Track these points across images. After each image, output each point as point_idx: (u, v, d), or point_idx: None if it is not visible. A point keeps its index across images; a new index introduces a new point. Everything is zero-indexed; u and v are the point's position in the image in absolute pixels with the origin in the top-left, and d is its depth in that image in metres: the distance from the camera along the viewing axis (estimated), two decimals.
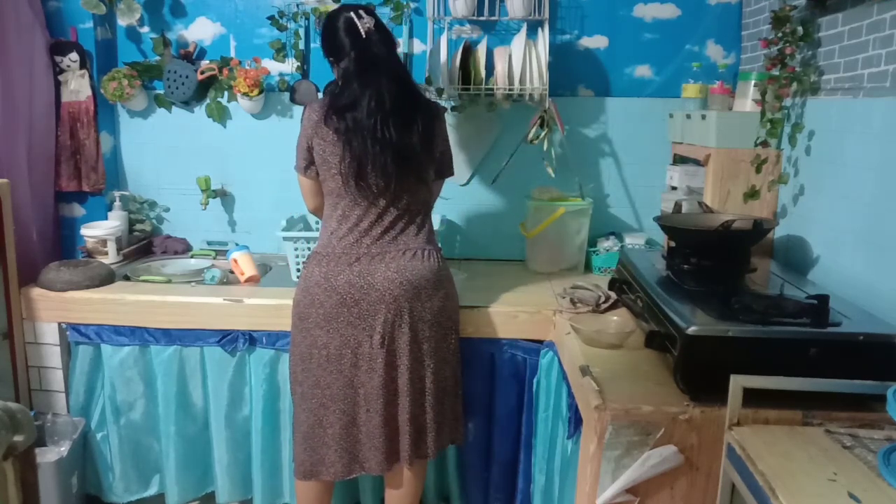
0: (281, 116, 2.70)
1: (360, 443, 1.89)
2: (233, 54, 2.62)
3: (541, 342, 2.09)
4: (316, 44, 2.65)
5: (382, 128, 1.79)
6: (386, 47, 1.86)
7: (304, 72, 2.65)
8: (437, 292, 1.89)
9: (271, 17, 2.59)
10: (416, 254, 1.87)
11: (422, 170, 1.88)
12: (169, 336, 2.20)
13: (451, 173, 2.04)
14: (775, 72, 2.05)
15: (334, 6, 2.57)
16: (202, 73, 2.60)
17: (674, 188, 2.51)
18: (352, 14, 1.85)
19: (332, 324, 1.85)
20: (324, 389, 1.88)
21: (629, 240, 2.58)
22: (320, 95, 2.65)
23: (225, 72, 2.61)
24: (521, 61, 2.37)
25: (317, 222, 2.69)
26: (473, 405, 2.14)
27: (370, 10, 1.89)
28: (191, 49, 2.65)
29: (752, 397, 1.29)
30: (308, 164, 1.93)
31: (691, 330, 1.40)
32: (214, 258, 2.71)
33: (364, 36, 1.83)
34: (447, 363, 1.95)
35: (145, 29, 2.67)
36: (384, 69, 1.83)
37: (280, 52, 2.62)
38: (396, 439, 1.89)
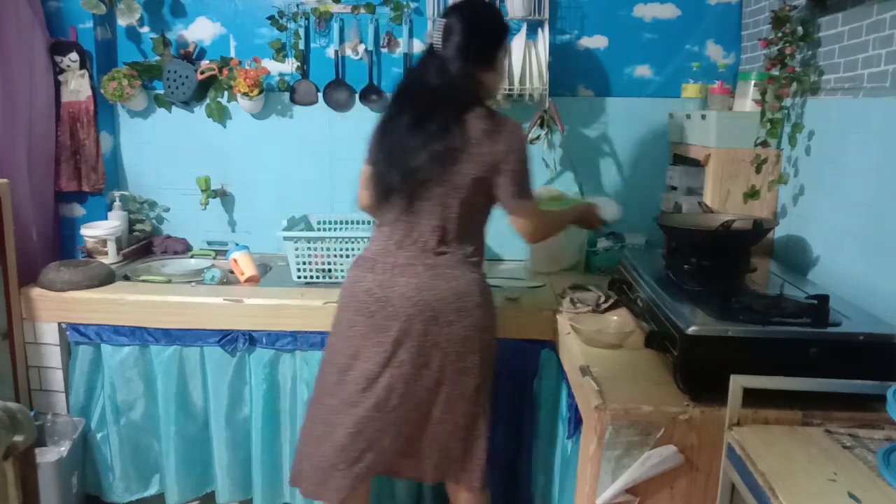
0: (281, 116, 2.70)
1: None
2: (233, 54, 2.62)
3: (541, 342, 2.09)
4: (316, 44, 2.65)
5: (406, 138, 1.72)
6: (442, 59, 1.73)
7: (304, 72, 2.65)
8: (461, 320, 1.72)
9: (271, 17, 2.59)
10: (442, 273, 1.73)
11: (445, 186, 1.71)
12: (169, 336, 2.20)
13: (517, 200, 1.74)
14: (775, 72, 2.05)
15: (334, 6, 2.58)
16: (202, 73, 2.60)
17: (674, 188, 2.51)
18: (442, 17, 1.78)
19: (350, 331, 1.76)
20: (342, 396, 1.79)
21: (629, 240, 2.58)
22: (320, 95, 2.65)
23: (225, 72, 2.61)
24: (521, 61, 2.37)
25: (318, 222, 2.70)
26: None
27: (459, 14, 1.76)
28: (191, 49, 2.65)
29: (752, 397, 1.28)
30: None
31: (691, 330, 1.40)
32: (214, 258, 2.71)
33: (431, 43, 1.78)
34: (464, 400, 1.76)
35: (145, 29, 2.67)
36: (423, 88, 1.75)
37: (280, 52, 2.62)
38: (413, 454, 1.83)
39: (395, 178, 1.73)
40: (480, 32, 1.77)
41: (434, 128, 1.69)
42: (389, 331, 1.71)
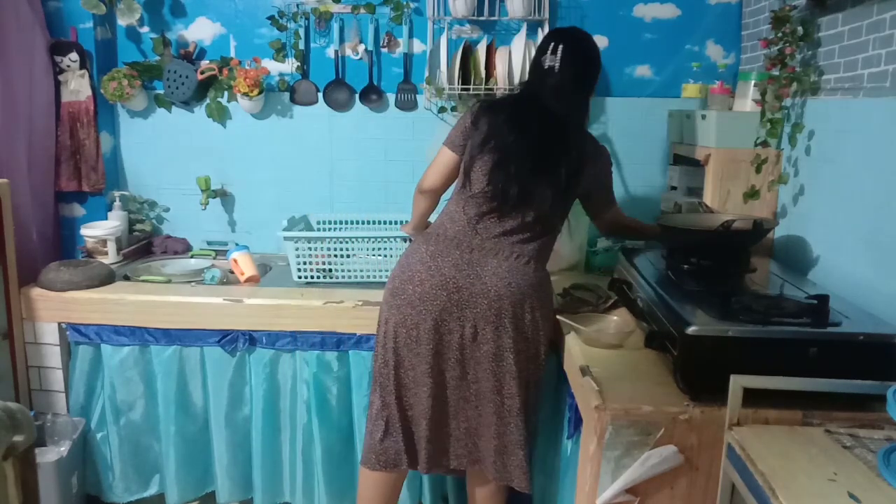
0: (281, 116, 2.70)
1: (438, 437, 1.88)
2: (233, 54, 2.62)
3: None
4: (316, 44, 2.65)
5: (527, 164, 1.77)
6: (558, 85, 1.81)
7: (304, 72, 2.65)
8: (541, 307, 1.82)
9: (271, 17, 2.59)
10: (528, 262, 1.81)
11: (552, 199, 1.80)
12: (169, 336, 2.20)
13: (609, 208, 1.98)
14: (775, 72, 2.05)
15: (334, 6, 2.58)
16: (202, 73, 2.60)
17: (674, 188, 2.51)
18: (551, 43, 1.83)
19: (427, 305, 1.78)
20: (407, 370, 1.84)
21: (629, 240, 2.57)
22: (320, 95, 2.65)
23: (225, 72, 2.61)
24: (522, 61, 2.37)
25: (318, 222, 2.69)
26: None
27: (573, 40, 1.84)
28: (191, 49, 2.65)
29: (752, 397, 1.28)
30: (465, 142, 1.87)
31: (691, 330, 1.40)
32: (214, 258, 2.71)
33: (545, 69, 1.83)
34: (533, 386, 1.86)
35: (145, 29, 2.67)
36: (544, 113, 1.80)
37: (280, 52, 2.62)
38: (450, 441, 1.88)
39: (513, 196, 1.77)
40: (590, 62, 1.90)
41: (557, 156, 1.78)
42: (478, 308, 1.77)
